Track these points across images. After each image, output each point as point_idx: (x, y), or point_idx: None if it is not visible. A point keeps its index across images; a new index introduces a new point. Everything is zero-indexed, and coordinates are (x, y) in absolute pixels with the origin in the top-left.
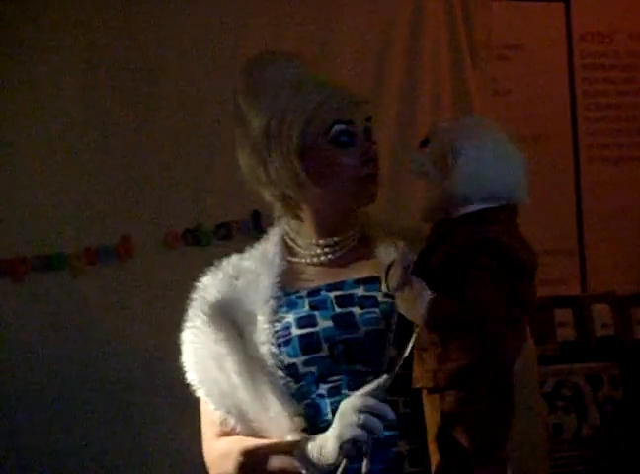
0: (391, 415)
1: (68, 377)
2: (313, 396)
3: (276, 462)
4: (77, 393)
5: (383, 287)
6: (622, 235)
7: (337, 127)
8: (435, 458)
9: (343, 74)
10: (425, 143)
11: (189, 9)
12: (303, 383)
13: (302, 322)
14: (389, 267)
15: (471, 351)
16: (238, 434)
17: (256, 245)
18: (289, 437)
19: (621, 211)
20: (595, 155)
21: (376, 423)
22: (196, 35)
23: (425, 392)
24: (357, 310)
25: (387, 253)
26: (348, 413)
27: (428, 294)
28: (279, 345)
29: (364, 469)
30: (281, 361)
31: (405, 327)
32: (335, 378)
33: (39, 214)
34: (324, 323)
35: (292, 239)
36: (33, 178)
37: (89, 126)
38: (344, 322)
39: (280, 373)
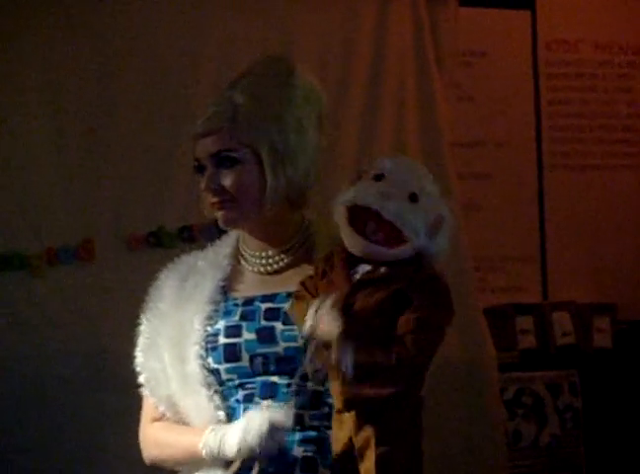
0: (284, 447)
1: (24, 377)
2: (232, 399)
3: (186, 444)
4: (32, 393)
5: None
6: (584, 243)
7: (195, 163)
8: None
9: None
10: (413, 198)
11: (149, 16)
12: (224, 387)
13: (229, 331)
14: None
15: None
16: (168, 419)
17: (213, 245)
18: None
19: (584, 219)
20: (558, 163)
21: (273, 449)
22: (155, 40)
23: (335, 412)
24: (279, 325)
25: None
26: (254, 426)
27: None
28: (207, 349)
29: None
30: (208, 364)
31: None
32: (251, 386)
33: None
34: (248, 335)
35: (242, 246)
36: None
37: (49, 127)
38: (265, 336)
39: (206, 374)
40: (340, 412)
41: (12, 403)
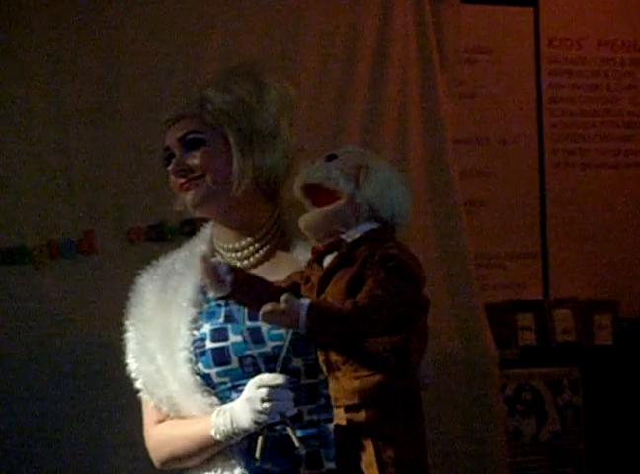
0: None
1: (25, 370)
2: (227, 401)
3: (196, 437)
4: (34, 386)
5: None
6: (586, 241)
7: (164, 154)
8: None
9: (308, 78)
10: (331, 158)
11: (151, 15)
12: (218, 390)
13: (215, 335)
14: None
15: (379, 364)
16: (172, 419)
17: (187, 244)
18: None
19: (585, 217)
20: (560, 160)
21: (283, 407)
22: (156, 39)
23: (341, 409)
24: (264, 325)
25: (306, 252)
26: (256, 392)
27: (306, 302)
28: (195, 354)
29: (297, 443)
30: (199, 370)
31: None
32: (244, 387)
33: (1, 208)
34: (234, 338)
35: (216, 242)
36: None
37: (52, 121)
38: (252, 337)
39: (198, 378)
40: (349, 409)
41: (13, 396)
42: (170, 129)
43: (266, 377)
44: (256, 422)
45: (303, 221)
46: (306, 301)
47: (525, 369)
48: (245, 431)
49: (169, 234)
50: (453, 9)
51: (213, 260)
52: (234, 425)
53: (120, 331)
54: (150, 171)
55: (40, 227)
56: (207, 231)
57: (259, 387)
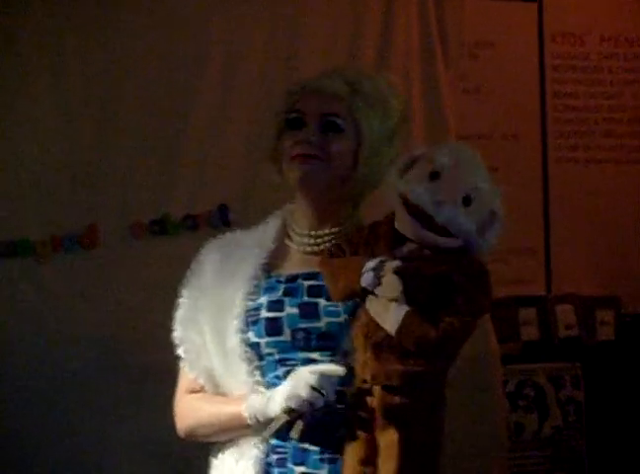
0: (332, 397)
1: (28, 363)
2: (272, 375)
3: (227, 410)
4: (36, 379)
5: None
6: (588, 236)
7: (292, 115)
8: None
9: (309, 71)
10: (434, 176)
11: (153, 8)
12: (264, 362)
13: (271, 306)
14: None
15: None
16: (206, 392)
17: (261, 224)
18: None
19: (588, 213)
20: (563, 156)
21: (318, 399)
22: (160, 33)
23: (379, 388)
24: (322, 301)
25: None
26: (301, 377)
27: (404, 308)
28: (247, 323)
29: (294, 433)
30: (248, 339)
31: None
32: (292, 362)
33: (4, 200)
34: (290, 310)
35: (290, 225)
36: None
37: (56, 114)
38: (308, 311)
39: (246, 348)
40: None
41: (17, 389)
42: (312, 97)
43: (325, 368)
44: (285, 406)
45: (413, 232)
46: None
47: (528, 365)
48: (270, 416)
49: (172, 229)
50: (456, 3)
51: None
52: (266, 406)
53: (122, 324)
54: (154, 165)
55: (43, 221)
56: (278, 214)
57: (312, 371)
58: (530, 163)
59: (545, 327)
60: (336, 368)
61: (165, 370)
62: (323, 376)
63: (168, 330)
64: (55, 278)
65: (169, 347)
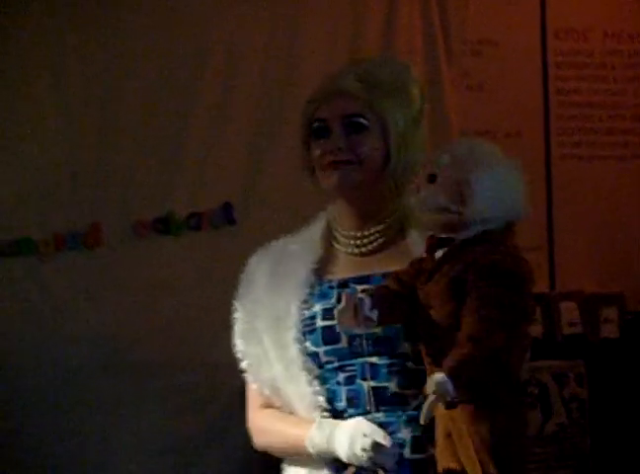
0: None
1: (31, 361)
2: (332, 382)
3: (294, 436)
4: (40, 377)
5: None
6: (592, 233)
7: (315, 124)
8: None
9: (312, 69)
10: (432, 179)
11: (153, 8)
12: (324, 370)
13: (327, 314)
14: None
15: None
16: (274, 403)
17: (305, 228)
18: (315, 414)
19: (591, 210)
20: (566, 153)
21: (387, 462)
22: (160, 33)
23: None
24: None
25: (420, 241)
26: (359, 436)
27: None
28: (304, 333)
29: None
30: (306, 348)
31: (423, 324)
32: (351, 368)
33: (7, 199)
34: None
35: (334, 227)
36: (2, 164)
37: (58, 114)
38: None
39: (305, 358)
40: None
41: (18, 387)
42: (330, 101)
43: (374, 431)
44: (349, 459)
45: (427, 229)
46: (440, 375)
47: (531, 362)
48: (336, 457)
49: (175, 227)
50: (460, 2)
51: (358, 295)
52: (328, 446)
53: (125, 322)
54: (156, 164)
55: (45, 219)
56: (323, 215)
57: (365, 435)
58: (534, 160)
59: (549, 324)
60: (386, 438)
61: (166, 370)
62: (376, 444)
63: (170, 329)
64: (58, 277)
65: (171, 346)
